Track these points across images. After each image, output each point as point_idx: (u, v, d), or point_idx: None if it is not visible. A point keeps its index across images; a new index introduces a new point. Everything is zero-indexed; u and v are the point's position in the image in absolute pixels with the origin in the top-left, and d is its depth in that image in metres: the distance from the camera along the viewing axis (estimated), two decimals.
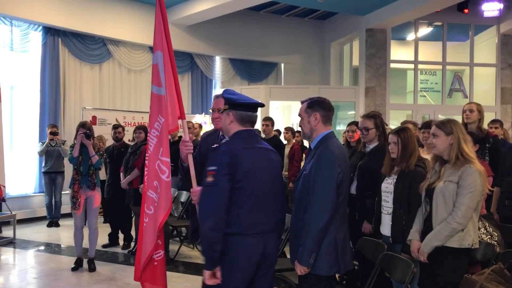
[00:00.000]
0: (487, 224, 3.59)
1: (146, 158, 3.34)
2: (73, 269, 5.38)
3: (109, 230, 6.74)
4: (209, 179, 2.46)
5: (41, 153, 8.06)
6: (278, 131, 8.37)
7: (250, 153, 2.57)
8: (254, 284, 2.59)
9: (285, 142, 7.90)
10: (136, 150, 6.01)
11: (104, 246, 6.49)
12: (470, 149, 2.93)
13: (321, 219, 2.54)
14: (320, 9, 11.47)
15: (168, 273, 5.24)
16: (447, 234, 2.79)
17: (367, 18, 10.85)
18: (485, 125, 4.95)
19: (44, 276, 5.28)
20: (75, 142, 5.41)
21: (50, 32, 8.89)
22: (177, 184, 6.40)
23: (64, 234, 7.65)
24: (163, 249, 3.42)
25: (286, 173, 7.61)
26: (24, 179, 8.72)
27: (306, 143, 8.62)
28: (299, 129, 9.41)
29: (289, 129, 8.23)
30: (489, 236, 3.54)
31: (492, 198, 4.35)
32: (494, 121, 5.53)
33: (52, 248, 6.72)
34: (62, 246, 6.87)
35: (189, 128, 6.64)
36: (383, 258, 3.21)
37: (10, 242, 6.79)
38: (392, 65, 11.29)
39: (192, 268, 5.55)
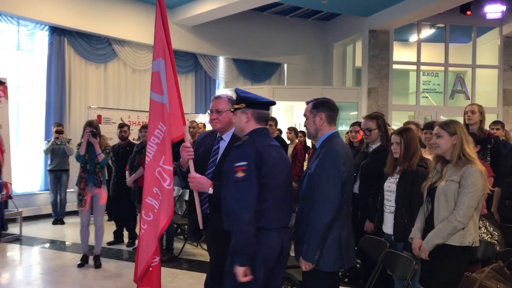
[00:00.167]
0: (487, 223, 3.66)
1: (145, 164, 3.27)
2: (79, 266, 5.46)
3: (114, 227, 6.82)
4: (240, 174, 2.47)
5: (46, 151, 8.14)
6: (280, 131, 8.43)
7: (271, 150, 2.62)
8: (271, 279, 2.64)
9: (288, 142, 7.97)
10: (141, 149, 6.09)
11: (109, 243, 6.56)
12: (471, 150, 3.00)
13: (326, 217, 2.61)
14: (323, 10, 11.55)
15: (172, 270, 5.42)
16: (448, 232, 2.86)
17: (370, 19, 10.91)
18: (486, 127, 5.01)
19: (51, 272, 5.36)
20: (82, 140, 5.48)
21: (56, 31, 8.99)
22: (181, 183, 6.47)
23: (69, 231, 7.74)
24: (159, 255, 3.38)
25: None
26: (30, 177, 8.82)
27: (309, 143, 8.70)
28: (302, 129, 9.48)
29: (292, 129, 8.30)
30: (490, 235, 3.61)
31: (492, 198, 4.41)
32: (495, 123, 5.60)
33: (58, 245, 6.81)
34: (67, 243, 6.95)
35: (193, 128, 6.76)
36: (385, 256, 3.28)
37: (17, 239, 6.88)
38: (395, 66, 11.37)
39: (196, 265, 5.63)
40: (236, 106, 2.74)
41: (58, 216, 8.25)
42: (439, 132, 3.01)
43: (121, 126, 6.73)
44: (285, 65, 12.84)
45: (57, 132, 8.07)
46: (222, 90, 11.95)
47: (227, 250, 2.84)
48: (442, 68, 11.73)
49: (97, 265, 5.46)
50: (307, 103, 2.91)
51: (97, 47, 9.66)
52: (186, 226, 6.52)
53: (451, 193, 2.90)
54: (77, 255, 5.96)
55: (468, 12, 10.60)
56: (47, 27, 8.86)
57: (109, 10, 9.59)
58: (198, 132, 7.07)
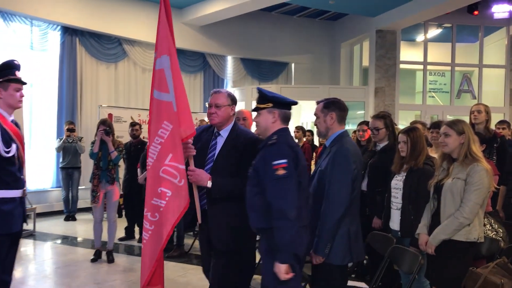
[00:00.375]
0: (492, 220, 3.76)
1: (148, 166, 3.09)
2: (92, 260, 5.60)
3: (125, 223, 6.97)
4: (281, 172, 2.47)
5: (58, 149, 8.28)
6: None
7: (300, 150, 2.68)
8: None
9: (295, 140, 8.06)
10: None
11: (120, 239, 6.71)
12: (477, 149, 3.10)
13: (337, 212, 2.72)
14: (331, 10, 11.62)
15: (183, 265, 5.55)
16: (454, 228, 2.95)
17: (377, 19, 10.97)
18: (492, 126, 5.09)
19: (65, 267, 5.51)
20: (96, 138, 5.62)
21: (68, 31, 9.14)
22: None
23: (81, 227, 7.90)
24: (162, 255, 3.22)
25: None
26: (42, 174, 8.97)
27: (316, 142, 8.79)
28: (309, 128, 9.55)
29: (299, 128, 8.40)
30: (494, 232, 3.70)
31: (497, 196, 4.49)
32: (501, 122, 5.67)
33: (70, 240, 6.96)
34: (79, 239, 7.12)
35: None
36: (392, 251, 3.38)
37: (30, 234, 7.04)
38: (402, 66, 11.41)
39: None
40: (262, 106, 2.71)
41: (70, 212, 8.41)
42: (447, 131, 3.10)
43: (133, 124, 6.88)
44: (293, 65, 12.93)
45: (68, 130, 8.22)
46: (230, 89, 12.06)
47: (223, 247, 2.96)
48: (449, 68, 11.77)
49: (110, 260, 5.60)
50: (318, 102, 3.01)
51: (107, 46, 9.81)
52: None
53: (457, 191, 2.99)
54: (89, 250, 6.13)
55: (475, 12, 10.63)
56: (59, 27, 9.01)
57: (119, 11, 9.73)
58: None
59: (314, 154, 7.83)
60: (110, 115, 8.87)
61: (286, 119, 2.72)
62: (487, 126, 4.85)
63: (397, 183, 3.63)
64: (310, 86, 11.77)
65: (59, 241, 6.92)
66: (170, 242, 6.00)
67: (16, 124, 3.19)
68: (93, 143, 5.66)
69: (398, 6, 10.15)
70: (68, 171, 8.33)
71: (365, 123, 5.20)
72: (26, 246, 6.53)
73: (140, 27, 10.04)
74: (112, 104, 9.58)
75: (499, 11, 10.60)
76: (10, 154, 2.98)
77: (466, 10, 10.67)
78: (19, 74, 3.14)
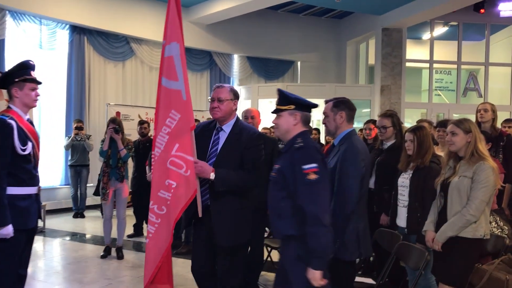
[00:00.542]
0: (498, 218, 3.80)
1: (153, 157, 3.02)
2: (102, 257, 5.69)
3: (134, 221, 7.06)
4: (313, 176, 2.41)
5: (67, 147, 8.38)
6: None
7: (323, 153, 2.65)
8: None
9: None
10: None
11: (129, 236, 6.79)
12: (484, 147, 3.15)
13: (346, 209, 2.78)
14: (336, 9, 11.65)
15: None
16: (461, 225, 3.01)
17: (383, 17, 10.99)
18: (498, 124, 5.12)
19: (76, 263, 5.60)
20: (105, 136, 5.70)
21: (76, 30, 9.25)
22: None
23: (89, 224, 8.00)
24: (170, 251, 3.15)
25: None
26: (51, 172, 9.07)
27: (322, 140, 8.84)
28: (315, 126, 9.56)
29: None
30: (500, 230, 3.75)
31: (503, 194, 4.53)
32: (507, 121, 5.68)
33: (79, 237, 7.06)
34: (88, 235, 7.21)
35: None
36: (399, 248, 3.44)
37: (40, 231, 7.13)
38: (408, 64, 11.42)
39: None
40: (283, 107, 2.64)
41: (79, 209, 8.51)
42: (454, 130, 3.14)
43: (141, 123, 6.96)
44: (299, 63, 12.98)
45: (77, 128, 8.31)
46: (236, 87, 12.12)
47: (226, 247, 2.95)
48: (455, 66, 11.76)
49: (120, 256, 5.68)
50: (327, 102, 3.07)
51: (115, 45, 9.91)
52: None
53: (464, 188, 3.04)
54: (98, 247, 6.23)
55: (482, 10, 10.61)
56: (67, 26, 9.11)
57: (127, 10, 9.82)
58: None
59: None
60: (118, 113, 8.96)
61: (307, 121, 2.66)
62: (493, 125, 4.89)
63: (404, 181, 3.68)
64: (316, 84, 11.80)
65: (68, 237, 7.02)
66: (178, 239, 6.09)
67: (31, 123, 3.27)
68: (103, 141, 5.74)
69: (404, 5, 10.16)
70: (77, 169, 8.42)
71: (372, 121, 5.25)
72: (36, 243, 6.55)
73: (147, 25, 10.12)
74: (119, 102, 9.67)
75: (505, 9, 10.57)
76: (26, 152, 3.06)
77: (472, 8, 10.66)
78: (34, 74, 3.21)
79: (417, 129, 3.67)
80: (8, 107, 3.14)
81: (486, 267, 3.27)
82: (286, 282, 2.52)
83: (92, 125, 9.45)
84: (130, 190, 6.81)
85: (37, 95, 3.23)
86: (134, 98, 10.24)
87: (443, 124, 4.29)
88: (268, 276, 5.05)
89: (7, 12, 8.14)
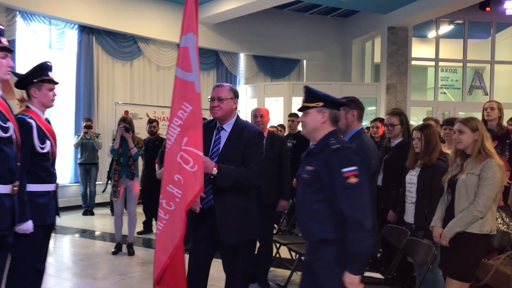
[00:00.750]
0: (504, 214, 3.87)
1: (167, 149, 2.93)
2: (114, 253, 5.79)
3: (143, 218, 7.16)
4: (353, 180, 2.35)
5: (76, 146, 8.49)
6: (282, 126, 8.43)
7: None
8: None
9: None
10: None
11: (139, 233, 6.89)
12: (490, 145, 3.22)
13: None
14: (342, 8, 11.71)
15: None
16: (468, 221, 3.07)
17: (389, 16, 11.03)
18: (504, 122, 5.18)
19: (87, 259, 5.70)
20: (116, 135, 5.80)
21: (85, 30, 9.36)
22: None
23: (99, 221, 8.12)
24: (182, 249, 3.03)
25: None
26: (61, 170, 9.19)
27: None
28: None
29: None
30: (506, 226, 3.81)
31: (509, 191, 4.58)
32: None
33: (89, 234, 7.18)
34: (97, 232, 7.34)
35: None
36: (407, 243, 3.52)
37: None
38: (413, 62, 11.45)
39: None
40: (311, 105, 2.54)
41: (88, 207, 8.62)
42: (462, 128, 3.20)
43: (151, 121, 7.06)
44: (304, 61, 13.05)
45: (86, 127, 8.39)
46: (243, 86, 12.22)
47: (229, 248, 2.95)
48: (461, 64, 11.79)
49: (131, 253, 5.78)
50: None
51: (123, 45, 10.02)
52: None
53: (471, 185, 3.10)
54: (108, 243, 6.35)
55: (487, 9, 10.63)
56: (76, 26, 9.22)
57: (134, 9, 9.92)
58: None
59: None
60: (126, 112, 9.06)
61: (336, 120, 2.57)
62: (500, 123, 4.95)
63: (412, 178, 3.75)
64: (322, 83, 11.85)
65: (78, 235, 7.13)
66: (188, 235, 6.17)
67: (49, 122, 3.37)
68: (114, 139, 5.84)
69: (409, 3, 10.20)
70: (86, 167, 8.52)
71: (379, 120, 5.33)
72: None
73: (155, 25, 10.23)
74: (127, 101, 9.77)
75: (511, 7, 10.59)
76: (45, 151, 3.15)
77: (478, 7, 10.68)
78: (51, 74, 3.30)
79: (424, 128, 3.74)
80: (27, 106, 3.23)
81: (492, 262, 3.34)
82: (316, 286, 2.47)
83: (100, 124, 9.57)
84: (140, 188, 6.92)
85: (54, 95, 3.32)
86: (142, 97, 10.35)
87: (449, 122, 4.35)
88: (277, 272, 5.13)
89: (17, 12, 8.26)
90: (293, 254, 5.15)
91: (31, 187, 3.04)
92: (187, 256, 3.06)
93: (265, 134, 4.70)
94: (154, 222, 7.06)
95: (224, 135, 3.07)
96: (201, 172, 2.82)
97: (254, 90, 11.73)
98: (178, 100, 2.88)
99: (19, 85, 3.29)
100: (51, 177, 3.27)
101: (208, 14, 10.56)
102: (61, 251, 6.23)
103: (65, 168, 9.25)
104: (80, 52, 9.32)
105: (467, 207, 3.09)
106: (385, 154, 4.32)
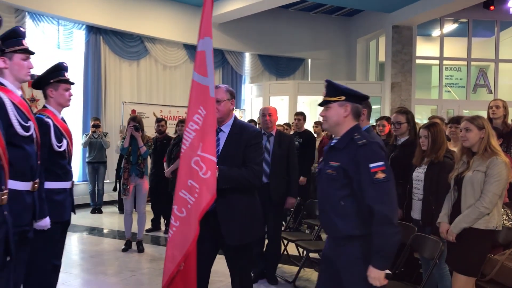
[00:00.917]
0: (509, 211, 3.92)
1: (181, 154, 2.92)
2: (123, 250, 5.89)
3: (151, 216, 7.25)
4: (381, 175, 2.35)
5: (84, 145, 8.57)
6: (288, 124, 8.51)
7: None
8: None
9: (315, 135, 8.25)
10: (179, 142, 6.44)
11: (147, 230, 6.97)
12: (496, 143, 3.30)
13: None
14: (347, 7, 11.76)
15: None
16: (474, 217, 3.15)
17: (394, 15, 11.08)
18: (509, 120, 5.23)
19: (98, 256, 5.80)
20: (126, 134, 5.89)
21: (93, 30, 9.47)
22: None
23: (107, 219, 8.22)
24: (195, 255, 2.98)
25: (316, 165, 7.95)
26: None
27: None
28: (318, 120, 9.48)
29: (319, 123, 8.56)
30: (511, 222, 3.88)
31: None
32: None
33: (98, 232, 7.27)
34: (106, 230, 7.42)
35: None
36: (414, 239, 3.59)
37: None
38: (418, 61, 11.49)
39: None
40: (333, 99, 2.51)
41: (96, 205, 8.71)
42: (469, 126, 3.27)
43: (159, 120, 7.15)
44: (309, 60, 13.11)
45: (94, 126, 8.48)
46: (248, 85, 12.31)
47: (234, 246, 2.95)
48: (465, 63, 11.82)
49: (140, 250, 5.88)
50: None
51: (130, 44, 10.12)
52: None
53: (477, 182, 3.17)
54: (117, 241, 6.45)
55: (491, 7, 10.67)
56: (84, 26, 9.32)
57: (141, 10, 10.01)
58: None
59: None
60: (133, 111, 9.16)
61: (358, 114, 2.54)
62: (505, 121, 5.00)
63: (418, 175, 3.83)
64: None
65: (86, 232, 7.22)
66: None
67: (65, 121, 3.45)
68: (124, 138, 5.93)
69: (414, 2, 10.25)
70: (94, 166, 8.61)
71: (385, 118, 5.38)
72: None
73: (161, 25, 10.33)
74: (134, 101, 9.87)
75: None
76: (62, 149, 3.23)
77: (482, 6, 10.72)
78: (67, 75, 3.39)
79: (431, 126, 3.81)
80: (44, 106, 3.32)
81: (497, 257, 3.41)
82: (339, 282, 2.46)
83: (108, 123, 9.67)
84: (148, 186, 7.01)
85: (71, 95, 3.41)
86: (149, 96, 10.45)
87: (455, 120, 4.42)
88: (285, 269, 5.21)
89: (26, 13, 8.37)
90: (301, 250, 5.23)
91: (49, 185, 3.12)
92: None
93: (273, 133, 4.79)
94: (162, 220, 7.18)
95: (223, 137, 3.07)
96: (213, 179, 2.80)
97: (260, 89, 11.81)
98: (194, 104, 2.88)
99: (36, 85, 3.38)
100: (67, 175, 3.36)
101: (214, 14, 10.56)
102: (71, 249, 6.31)
103: (74, 167, 9.17)
104: (87, 52, 9.43)
105: (474, 203, 3.16)
106: (392, 152, 4.39)
